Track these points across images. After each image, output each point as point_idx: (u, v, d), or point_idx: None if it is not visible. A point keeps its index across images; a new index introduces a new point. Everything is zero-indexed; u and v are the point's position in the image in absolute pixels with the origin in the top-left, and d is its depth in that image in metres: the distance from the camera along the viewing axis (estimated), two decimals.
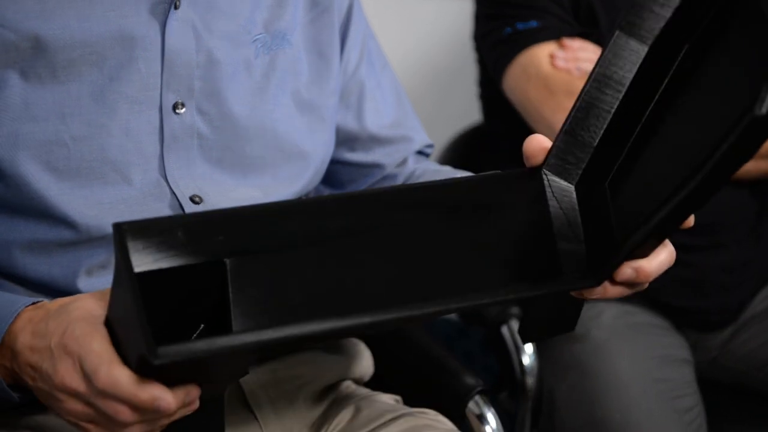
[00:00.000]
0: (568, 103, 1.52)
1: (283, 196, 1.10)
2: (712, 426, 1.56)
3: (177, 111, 1.03)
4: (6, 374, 0.89)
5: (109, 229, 0.99)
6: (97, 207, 1.00)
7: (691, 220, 0.89)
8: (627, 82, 0.90)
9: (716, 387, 1.64)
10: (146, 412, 0.80)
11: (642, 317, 1.58)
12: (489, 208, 0.90)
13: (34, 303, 0.89)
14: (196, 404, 0.83)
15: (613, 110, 0.91)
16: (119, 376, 0.79)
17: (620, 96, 0.91)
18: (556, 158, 0.93)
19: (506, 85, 1.59)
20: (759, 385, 1.63)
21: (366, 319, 0.82)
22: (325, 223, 0.85)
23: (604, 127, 0.91)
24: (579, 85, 1.51)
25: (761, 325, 1.63)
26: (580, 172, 0.92)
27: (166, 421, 0.83)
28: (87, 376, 0.81)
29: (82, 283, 1.01)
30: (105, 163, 1.00)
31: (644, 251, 0.88)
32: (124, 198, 1.01)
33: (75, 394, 0.82)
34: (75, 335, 0.82)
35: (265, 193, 1.09)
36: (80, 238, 1.00)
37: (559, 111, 1.52)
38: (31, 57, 0.97)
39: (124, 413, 0.80)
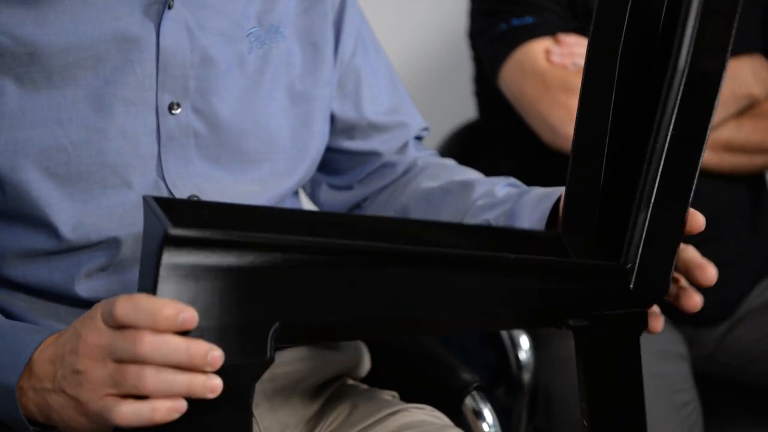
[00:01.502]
0: (564, 99, 1.54)
1: (281, 190, 1.11)
2: (708, 421, 1.56)
3: (173, 111, 1.03)
4: (26, 411, 0.87)
5: (109, 233, 1.00)
6: (96, 212, 1.00)
7: (701, 222, 0.91)
8: (608, 117, 0.90)
9: (712, 382, 1.64)
10: (169, 334, 0.78)
11: None
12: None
13: (43, 342, 0.87)
14: (220, 387, 0.79)
15: (604, 151, 0.91)
16: (138, 296, 0.79)
17: (606, 132, 0.91)
18: (568, 214, 0.94)
19: (502, 82, 1.59)
20: (754, 380, 1.63)
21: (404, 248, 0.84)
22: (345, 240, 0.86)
23: (602, 170, 0.91)
24: (575, 80, 1.51)
25: (757, 321, 1.64)
26: (595, 221, 0.92)
27: (189, 389, 0.79)
28: (107, 319, 0.80)
29: (81, 286, 1.01)
30: (104, 167, 1.00)
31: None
32: (123, 201, 1.01)
33: (98, 349, 0.80)
34: (91, 312, 0.82)
35: (263, 188, 1.09)
36: (80, 244, 1.00)
37: (555, 106, 1.52)
38: (26, 63, 0.97)
39: (147, 340, 0.78)
